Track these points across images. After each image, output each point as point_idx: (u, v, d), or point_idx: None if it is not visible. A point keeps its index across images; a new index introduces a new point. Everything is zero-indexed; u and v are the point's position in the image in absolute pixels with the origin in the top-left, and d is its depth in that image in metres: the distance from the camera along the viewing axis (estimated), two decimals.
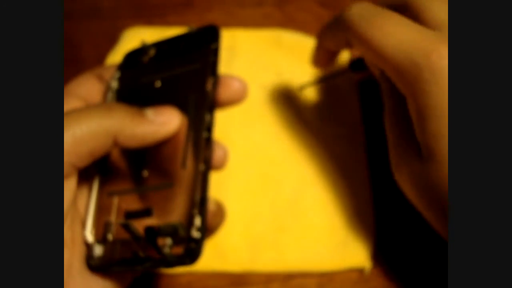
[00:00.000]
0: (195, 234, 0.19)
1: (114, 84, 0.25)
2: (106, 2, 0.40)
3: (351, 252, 0.29)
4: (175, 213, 0.20)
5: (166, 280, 0.28)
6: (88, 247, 0.21)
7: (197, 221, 0.19)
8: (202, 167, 0.21)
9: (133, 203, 0.22)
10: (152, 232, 0.18)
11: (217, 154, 0.24)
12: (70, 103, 0.23)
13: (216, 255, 0.29)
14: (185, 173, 0.21)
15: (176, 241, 0.19)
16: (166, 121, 0.22)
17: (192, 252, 0.19)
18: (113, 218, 0.21)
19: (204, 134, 0.21)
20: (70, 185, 0.20)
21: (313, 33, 0.38)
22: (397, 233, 0.30)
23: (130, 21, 0.38)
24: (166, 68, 0.24)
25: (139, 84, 0.25)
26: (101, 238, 0.21)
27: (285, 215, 0.30)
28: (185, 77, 0.23)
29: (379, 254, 0.29)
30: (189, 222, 0.19)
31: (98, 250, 0.21)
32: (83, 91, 0.24)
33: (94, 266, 0.20)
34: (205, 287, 0.28)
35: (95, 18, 0.39)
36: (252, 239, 0.29)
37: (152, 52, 0.26)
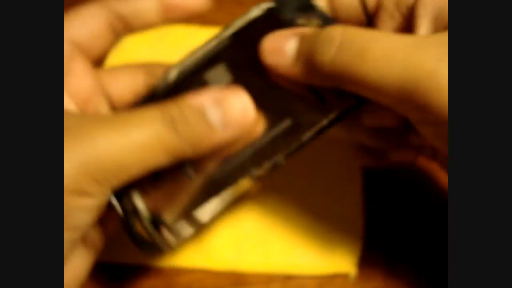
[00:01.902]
0: (160, 234, 0.19)
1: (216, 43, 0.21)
2: None
3: (336, 258, 0.29)
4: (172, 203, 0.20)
5: (165, 280, 0.28)
6: None
7: (168, 217, 0.19)
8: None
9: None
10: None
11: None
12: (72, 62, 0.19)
13: (201, 253, 0.29)
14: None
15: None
16: (233, 135, 0.19)
17: (149, 245, 0.19)
18: None
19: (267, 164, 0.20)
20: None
21: None
22: (398, 233, 0.30)
23: None
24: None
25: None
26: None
27: (273, 217, 0.30)
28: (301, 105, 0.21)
29: (380, 253, 0.29)
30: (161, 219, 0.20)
31: None
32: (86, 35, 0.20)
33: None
34: (205, 287, 0.28)
35: None
36: (238, 239, 0.29)
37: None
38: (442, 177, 0.31)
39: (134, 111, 0.18)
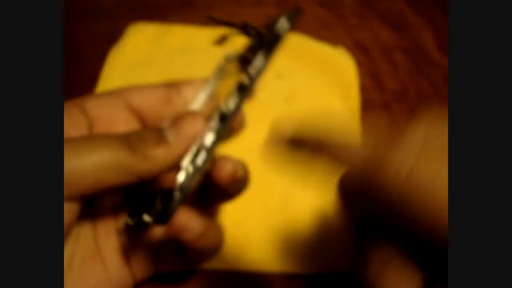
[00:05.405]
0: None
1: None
2: (106, 2, 0.40)
3: (334, 257, 0.29)
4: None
5: (166, 281, 0.28)
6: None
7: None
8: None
9: None
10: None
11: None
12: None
13: None
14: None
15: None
16: (188, 139, 0.21)
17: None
18: None
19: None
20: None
21: (313, 33, 0.38)
22: None
23: (130, 21, 0.38)
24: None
25: None
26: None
27: (275, 217, 0.30)
28: None
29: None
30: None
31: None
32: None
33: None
34: (205, 287, 0.28)
35: (95, 18, 0.39)
36: (239, 239, 0.29)
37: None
38: None
39: (98, 136, 0.20)
